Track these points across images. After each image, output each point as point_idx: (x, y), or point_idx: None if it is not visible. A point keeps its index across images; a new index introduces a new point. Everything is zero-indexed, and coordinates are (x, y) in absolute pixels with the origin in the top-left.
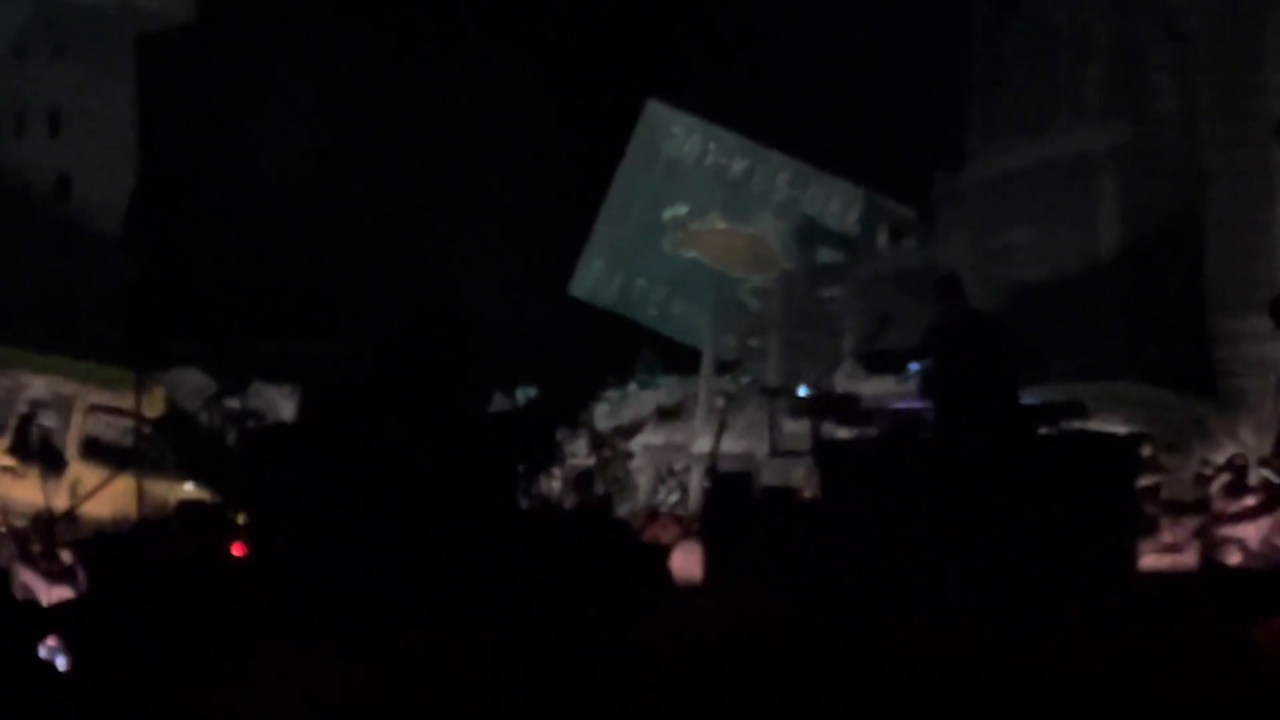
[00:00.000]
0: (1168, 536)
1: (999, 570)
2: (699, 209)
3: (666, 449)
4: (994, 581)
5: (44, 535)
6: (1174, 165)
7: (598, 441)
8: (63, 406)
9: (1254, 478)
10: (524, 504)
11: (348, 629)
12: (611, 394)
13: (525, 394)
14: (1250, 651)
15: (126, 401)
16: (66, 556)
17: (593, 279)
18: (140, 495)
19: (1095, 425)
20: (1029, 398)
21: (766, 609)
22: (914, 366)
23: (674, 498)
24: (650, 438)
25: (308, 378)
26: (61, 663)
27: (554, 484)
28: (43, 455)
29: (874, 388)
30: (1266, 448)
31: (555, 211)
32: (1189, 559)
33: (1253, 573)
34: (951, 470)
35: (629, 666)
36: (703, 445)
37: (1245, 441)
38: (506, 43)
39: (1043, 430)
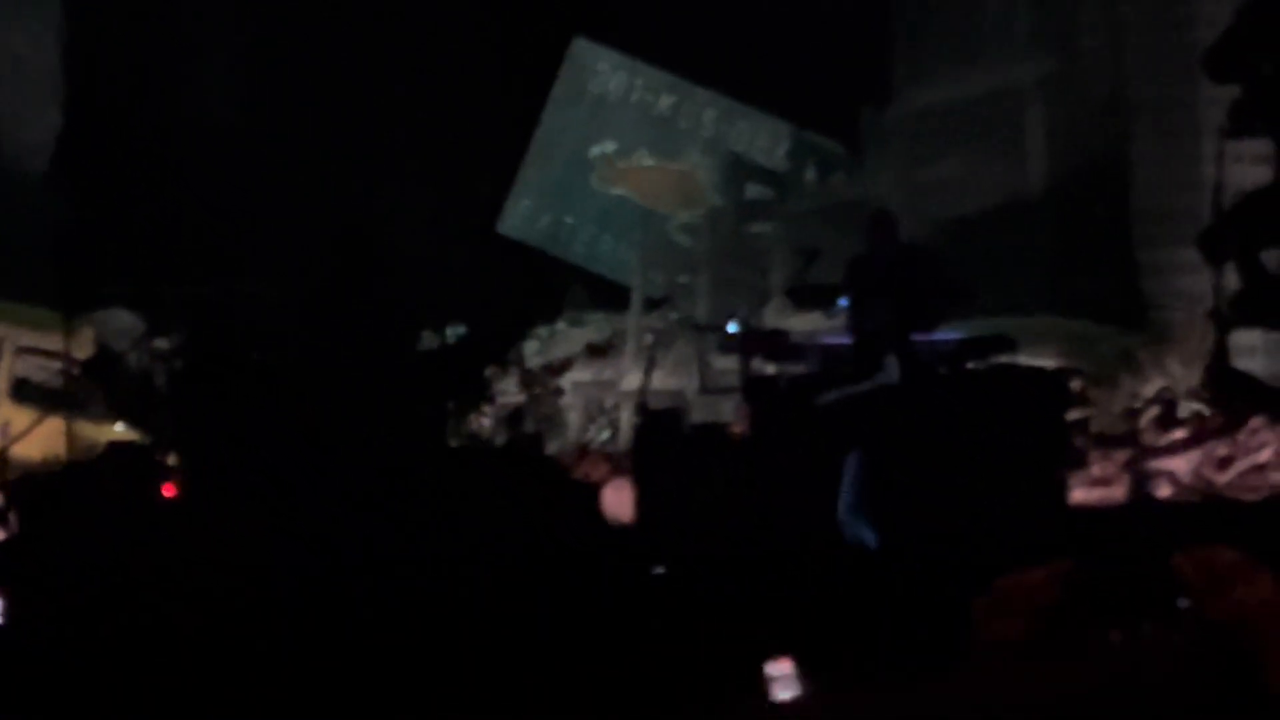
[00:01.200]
0: (1097, 470)
1: (928, 506)
2: (626, 146)
3: (596, 386)
4: (923, 517)
5: None
6: (1101, 98)
7: (527, 379)
8: None
9: (1183, 410)
10: (454, 442)
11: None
12: (541, 331)
13: (454, 332)
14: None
15: (56, 343)
16: None
17: (521, 217)
18: (70, 437)
19: (1023, 360)
20: (956, 333)
21: None
22: (842, 301)
23: (604, 435)
24: (580, 375)
25: (216, 314)
26: None
27: (484, 422)
28: None
29: (803, 323)
30: (1195, 380)
31: (482, 150)
32: (1118, 493)
33: (1182, 505)
34: (880, 405)
35: None
36: (632, 382)
37: (1174, 374)
38: None
39: (970, 365)
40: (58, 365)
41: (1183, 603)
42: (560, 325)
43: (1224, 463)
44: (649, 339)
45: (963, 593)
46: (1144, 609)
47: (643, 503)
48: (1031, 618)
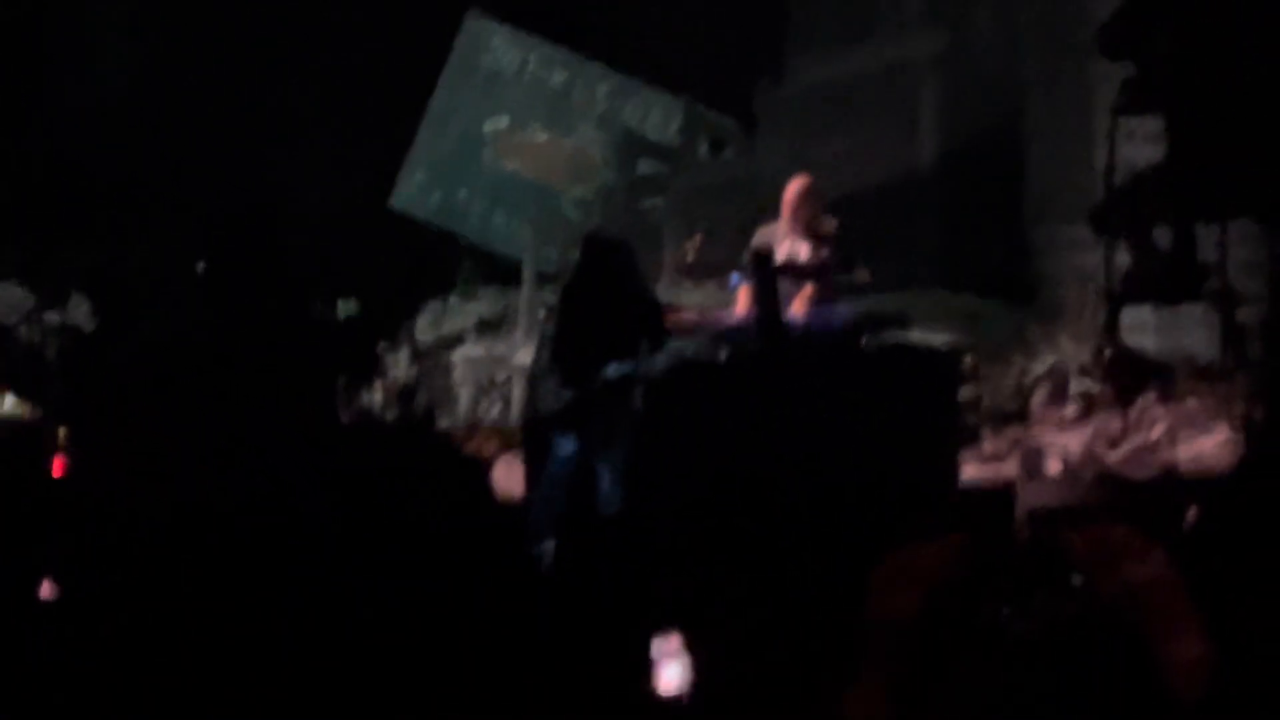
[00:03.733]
0: (989, 447)
1: (821, 483)
2: (520, 121)
3: (488, 361)
4: (816, 493)
5: None
6: (994, 74)
7: (419, 354)
8: None
9: (1074, 387)
10: (344, 417)
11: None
12: (432, 306)
13: (346, 306)
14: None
15: None
16: None
17: (413, 191)
18: None
19: (916, 336)
20: (849, 308)
21: None
22: (734, 278)
23: (496, 410)
24: (471, 350)
25: (107, 286)
26: None
27: (375, 397)
28: None
29: (695, 300)
30: (1086, 356)
31: (375, 124)
32: (1010, 469)
33: (1073, 482)
34: (773, 383)
35: None
36: (524, 358)
37: (1065, 351)
38: None
39: (863, 341)
40: None
41: (1077, 579)
42: (452, 300)
43: (1115, 440)
44: (541, 314)
45: (857, 567)
46: (1038, 584)
47: (533, 478)
48: (926, 591)
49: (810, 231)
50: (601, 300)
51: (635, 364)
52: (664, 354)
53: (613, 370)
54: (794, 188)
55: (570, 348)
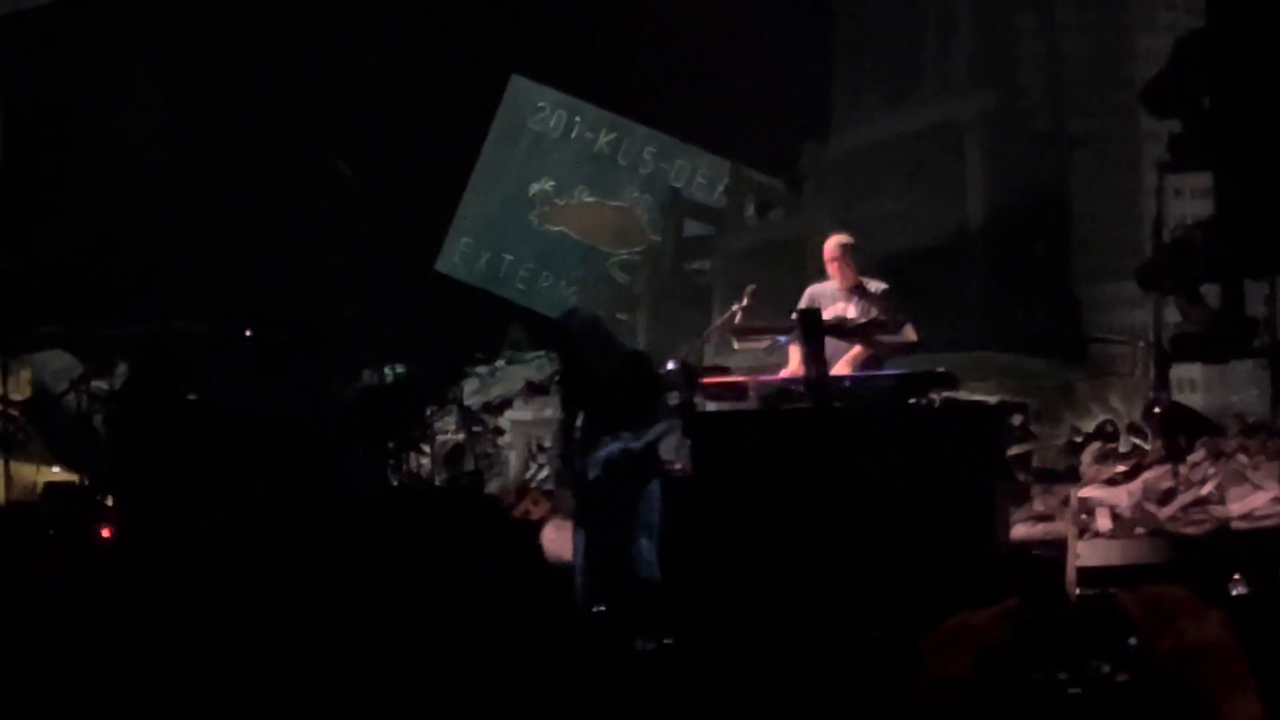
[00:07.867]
0: (1039, 505)
1: (869, 543)
2: (565, 183)
3: (536, 424)
4: (864, 554)
5: None
6: (1040, 132)
7: (467, 418)
8: None
9: (1124, 444)
10: (394, 481)
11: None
12: (480, 370)
13: (393, 371)
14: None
15: None
16: None
17: (459, 255)
18: (8, 478)
19: (964, 394)
20: (897, 367)
21: None
22: (782, 339)
23: (544, 473)
24: (520, 413)
25: (154, 353)
26: None
27: (424, 461)
28: None
29: (742, 360)
30: (1135, 413)
31: (421, 188)
32: (1061, 527)
33: (1124, 539)
34: (822, 441)
35: None
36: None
37: (1114, 408)
38: (368, 20)
39: (912, 400)
40: None
41: (1132, 641)
42: (500, 364)
43: (1166, 496)
44: None
45: (908, 632)
46: (1094, 647)
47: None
48: (980, 656)
49: (858, 290)
50: (590, 377)
51: (639, 436)
52: (664, 424)
53: (623, 447)
54: (830, 244)
55: (583, 425)
